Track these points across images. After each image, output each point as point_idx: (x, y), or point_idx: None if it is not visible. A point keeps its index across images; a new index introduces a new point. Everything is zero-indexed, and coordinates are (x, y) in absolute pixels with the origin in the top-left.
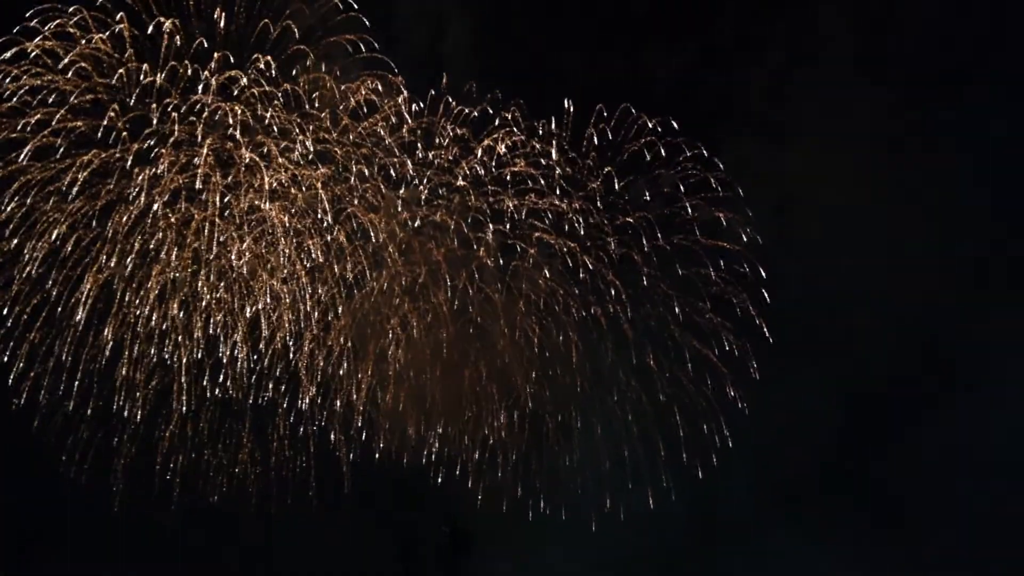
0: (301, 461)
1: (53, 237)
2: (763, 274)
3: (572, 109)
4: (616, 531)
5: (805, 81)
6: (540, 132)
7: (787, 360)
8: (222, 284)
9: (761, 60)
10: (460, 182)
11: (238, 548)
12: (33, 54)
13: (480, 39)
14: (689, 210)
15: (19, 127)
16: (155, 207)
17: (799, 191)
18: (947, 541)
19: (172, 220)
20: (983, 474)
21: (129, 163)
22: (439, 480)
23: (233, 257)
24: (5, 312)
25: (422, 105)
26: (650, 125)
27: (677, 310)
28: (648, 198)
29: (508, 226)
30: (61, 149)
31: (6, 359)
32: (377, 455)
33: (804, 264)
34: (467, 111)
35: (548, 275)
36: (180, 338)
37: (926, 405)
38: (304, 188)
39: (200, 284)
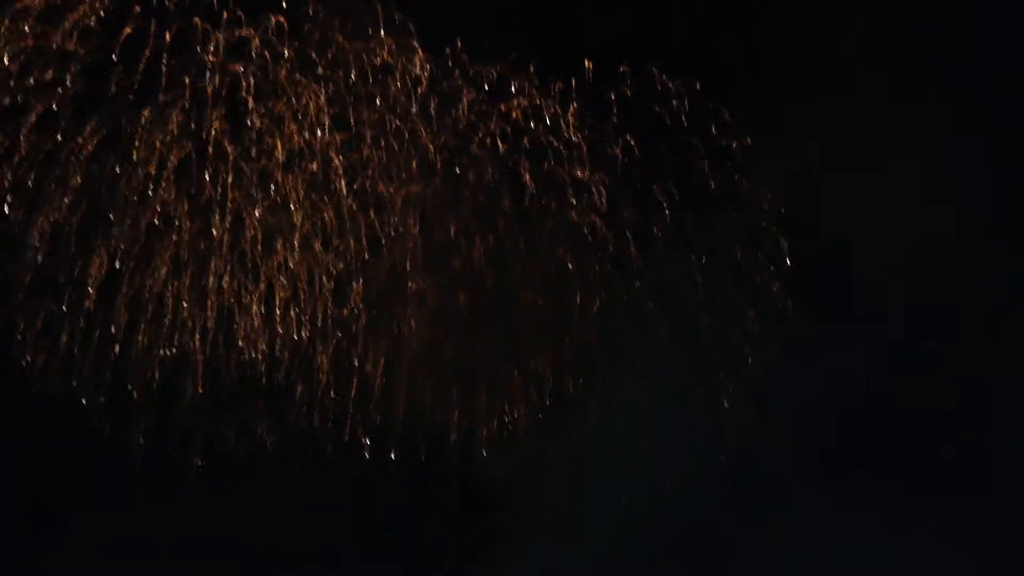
0: (315, 423)
1: (60, 210)
2: (786, 245)
3: (592, 69)
4: (635, 501)
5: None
6: (556, 95)
7: (815, 331)
8: (235, 254)
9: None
10: (475, 148)
11: (253, 504)
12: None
13: None
14: (712, 183)
15: (20, 91)
16: (163, 176)
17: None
18: (982, 509)
19: (181, 189)
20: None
21: (135, 128)
22: (452, 446)
23: (246, 227)
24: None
25: (436, 67)
26: (672, 87)
27: (700, 282)
28: (669, 165)
29: (525, 195)
30: (64, 119)
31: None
32: (392, 421)
33: (833, 231)
34: (484, 71)
35: (567, 246)
36: (191, 314)
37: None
38: (318, 154)
39: (212, 257)
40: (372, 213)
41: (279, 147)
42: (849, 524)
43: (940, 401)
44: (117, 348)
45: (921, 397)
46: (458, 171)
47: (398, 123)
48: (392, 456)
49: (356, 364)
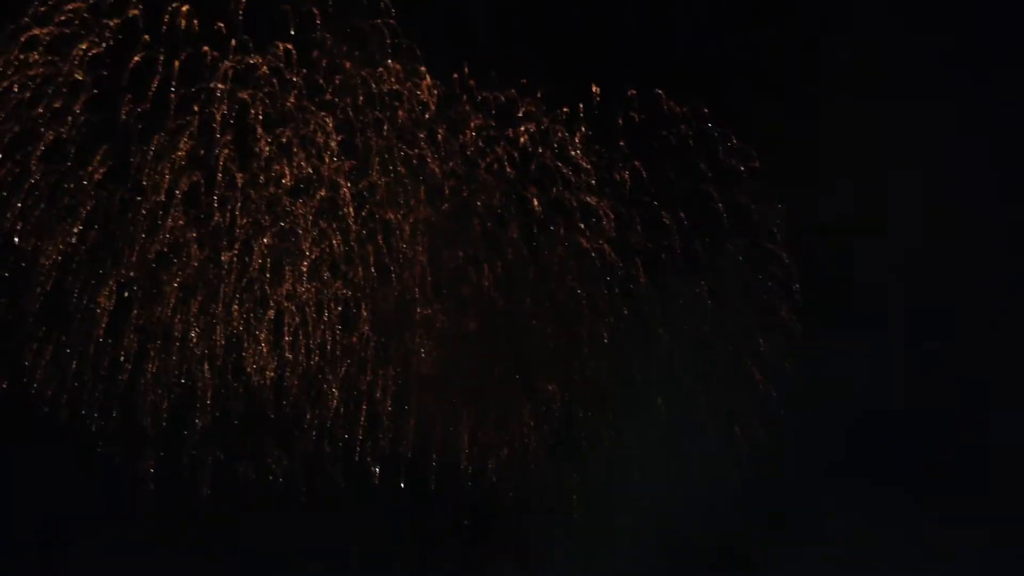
0: (325, 449)
1: (70, 239)
2: (795, 266)
3: (599, 93)
4: (647, 526)
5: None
6: (564, 119)
7: (825, 351)
8: (243, 282)
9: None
10: (483, 174)
11: (263, 530)
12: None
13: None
14: (720, 206)
15: (28, 120)
16: (172, 204)
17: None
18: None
19: (189, 216)
20: None
21: (144, 156)
22: (463, 474)
23: (254, 255)
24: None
25: (443, 89)
26: (680, 111)
27: (710, 305)
28: (677, 190)
29: (533, 222)
30: (73, 147)
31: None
32: (401, 449)
33: (841, 252)
34: (491, 97)
35: (575, 271)
36: (200, 344)
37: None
38: (326, 181)
39: (220, 285)
40: (380, 239)
41: (287, 174)
42: (865, 545)
43: (954, 415)
44: (126, 376)
45: (934, 411)
46: (466, 196)
47: (406, 149)
48: (402, 483)
49: (365, 391)
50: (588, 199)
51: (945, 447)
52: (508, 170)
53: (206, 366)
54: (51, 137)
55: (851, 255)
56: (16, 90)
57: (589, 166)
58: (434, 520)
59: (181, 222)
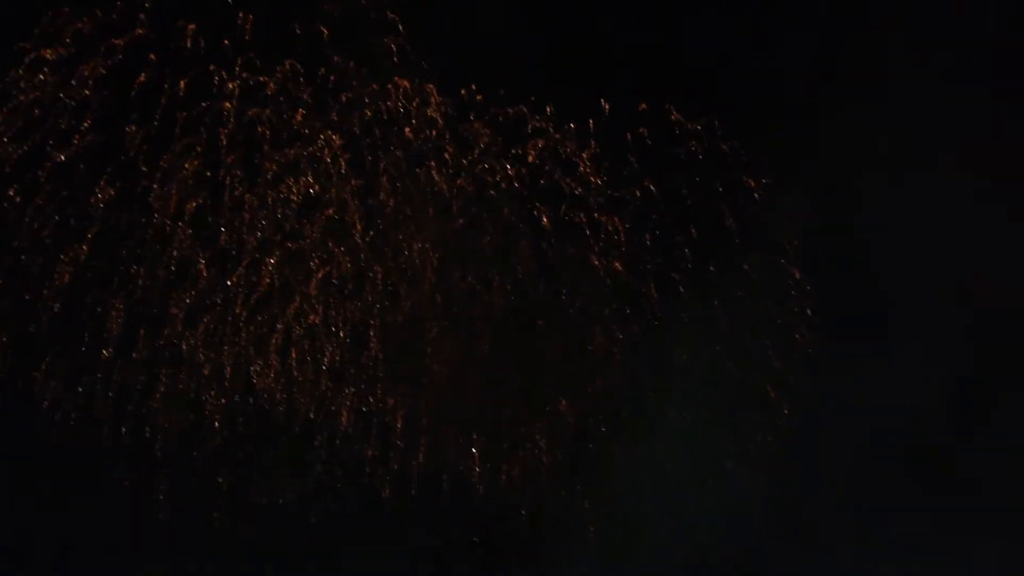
0: (336, 471)
1: (77, 259)
2: (809, 282)
3: (608, 109)
4: (662, 545)
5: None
6: (574, 136)
7: (840, 367)
8: (253, 300)
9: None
10: (492, 192)
11: (273, 551)
12: (51, 61)
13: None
14: (733, 223)
15: (35, 141)
16: (180, 223)
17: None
18: None
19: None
20: None
21: (151, 177)
22: (475, 493)
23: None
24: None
25: (452, 106)
26: (691, 127)
27: (723, 323)
28: (689, 206)
29: (543, 238)
30: (79, 168)
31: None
32: (412, 469)
33: (857, 268)
34: (499, 115)
35: (586, 289)
36: (208, 363)
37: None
38: (334, 200)
39: (228, 306)
40: (389, 258)
41: (295, 193)
42: (882, 559)
43: (976, 433)
44: (135, 398)
45: (953, 428)
46: (475, 213)
47: (414, 167)
48: (412, 503)
49: (375, 411)
50: (598, 216)
51: (965, 462)
52: (517, 187)
53: (214, 387)
54: (58, 158)
55: (867, 270)
56: (23, 111)
57: (600, 182)
58: (446, 539)
59: (188, 244)
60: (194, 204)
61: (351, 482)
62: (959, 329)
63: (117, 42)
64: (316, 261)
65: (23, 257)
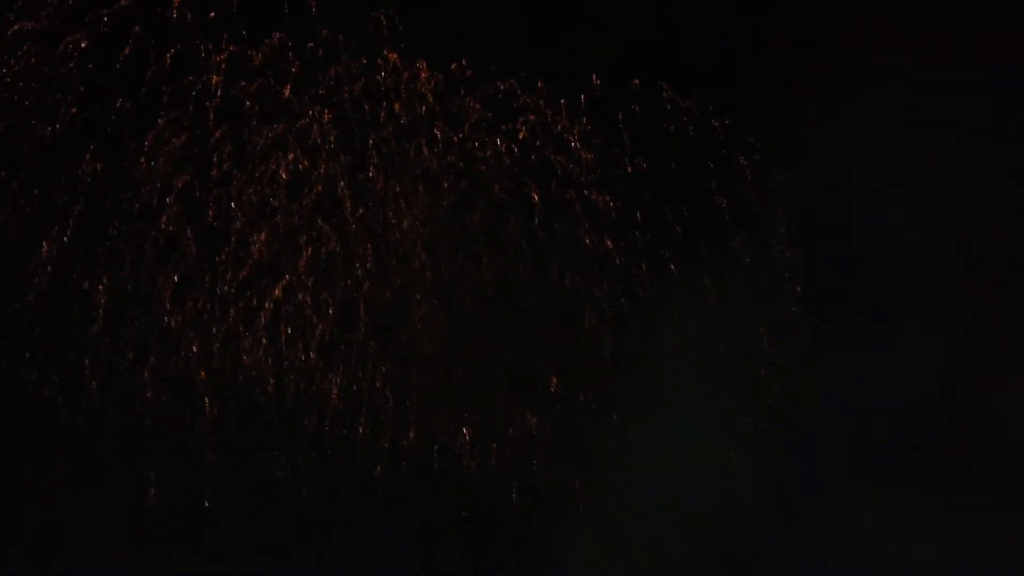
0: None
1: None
2: (800, 261)
3: (600, 85)
4: (652, 523)
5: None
6: (564, 112)
7: (831, 349)
8: (241, 276)
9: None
10: (482, 167)
11: (266, 525)
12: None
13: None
14: (724, 201)
15: (18, 115)
16: (167, 199)
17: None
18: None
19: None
20: None
21: (137, 152)
22: (465, 471)
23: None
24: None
25: (442, 84)
26: (682, 104)
27: (713, 300)
28: (680, 184)
29: (534, 214)
30: (64, 143)
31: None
32: (404, 444)
33: (848, 247)
34: (489, 90)
35: (576, 266)
36: (196, 341)
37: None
38: (323, 175)
39: (216, 281)
40: (378, 234)
41: (283, 169)
42: (877, 546)
43: (967, 411)
44: (123, 377)
45: (947, 409)
46: (465, 190)
47: (403, 143)
48: (403, 481)
49: (365, 389)
50: (589, 193)
51: (959, 446)
52: (508, 163)
53: (202, 366)
54: (42, 133)
55: (858, 250)
56: (5, 85)
57: (591, 159)
58: (437, 517)
59: (175, 220)
60: (181, 180)
61: (342, 459)
62: (951, 310)
63: (101, 14)
64: (305, 238)
65: (7, 232)
